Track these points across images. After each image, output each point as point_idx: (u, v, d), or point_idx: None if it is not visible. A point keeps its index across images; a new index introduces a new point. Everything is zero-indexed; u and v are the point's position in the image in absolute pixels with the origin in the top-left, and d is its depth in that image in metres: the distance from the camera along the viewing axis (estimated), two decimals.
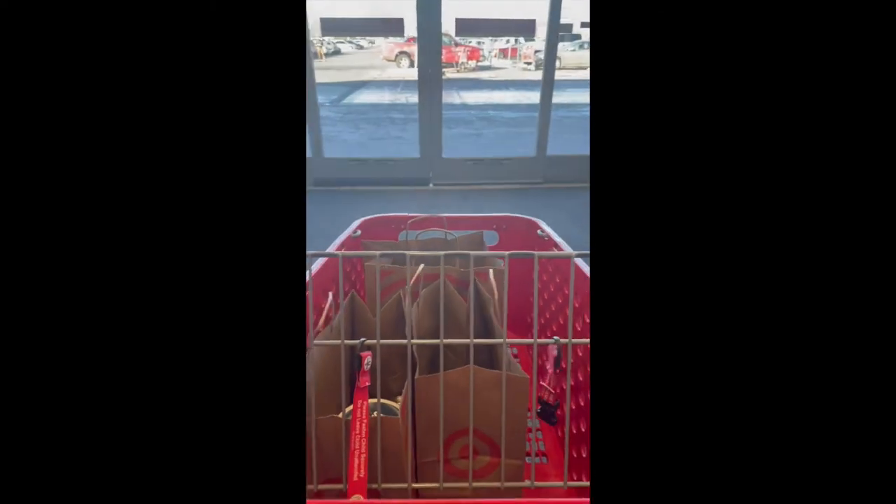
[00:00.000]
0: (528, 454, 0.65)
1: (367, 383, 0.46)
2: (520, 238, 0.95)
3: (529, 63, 12.16)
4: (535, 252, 0.44)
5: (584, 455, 0.61)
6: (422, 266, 0.63)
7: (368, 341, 0.46)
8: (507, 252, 0.44)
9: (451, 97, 7.25)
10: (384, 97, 6.52)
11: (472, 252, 0.44)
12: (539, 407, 0.49)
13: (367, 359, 0.46)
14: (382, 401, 0.60)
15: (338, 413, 0.48)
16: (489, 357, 0.69)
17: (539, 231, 0.88)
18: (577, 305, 0.65)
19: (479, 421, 0.52)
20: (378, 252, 0.45)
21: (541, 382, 0.47)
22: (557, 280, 0.77)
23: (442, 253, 0.45)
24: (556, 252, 0.44)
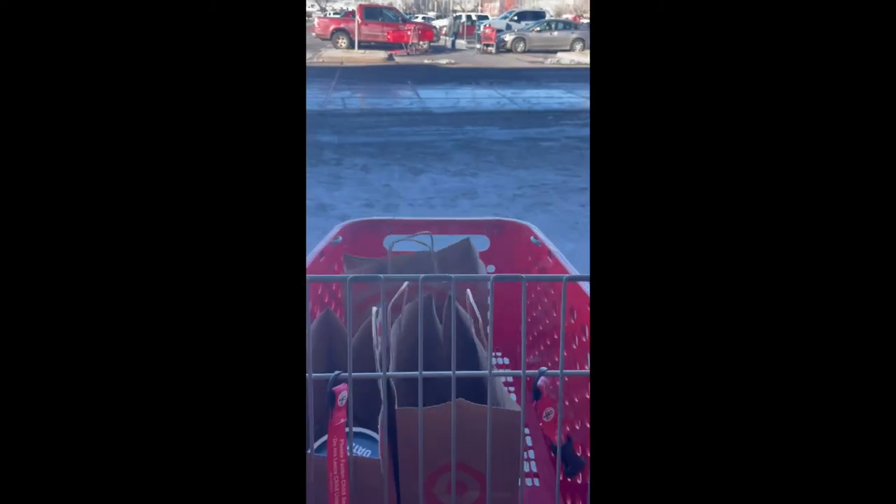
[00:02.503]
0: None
1: (343, 420, 0.42)
2: (511, 244, 0.90)
3: (490, 45, 10.47)
4: (524, 275, 0.39)
5: (578, 480, 0.57)
6: (406, 283, 0.58)
7: (342, 375, 0.42)
8: (493, 276, 0.40)
9: (404, 94, 4.93)
10: (312, 98, 4.27)
11: (453, 276, 0.40)
12: (554, 454, 0.44)
13: (343, 394, 0.42)
14: (364, 430, 0.56)
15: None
16: (476, 383, 0.65)
17: (532, 238, 0.83)
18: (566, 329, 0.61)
19: (468, 455, 0.48)
20: (349, 276, 0.40)
21: (544, 421, 0.43)
22: (546, 300, 0.72)
23: (420, 276, 0.40)
24: (546, 276, 0.39)
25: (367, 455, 0.55)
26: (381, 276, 0.40)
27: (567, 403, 0.58)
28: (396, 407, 0.46)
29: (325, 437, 0.45)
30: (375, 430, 0.58)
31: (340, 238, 0.85)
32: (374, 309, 0.45)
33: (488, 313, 0.48)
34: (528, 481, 0.67)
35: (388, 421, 0.44)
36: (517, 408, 0.48)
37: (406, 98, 4.76)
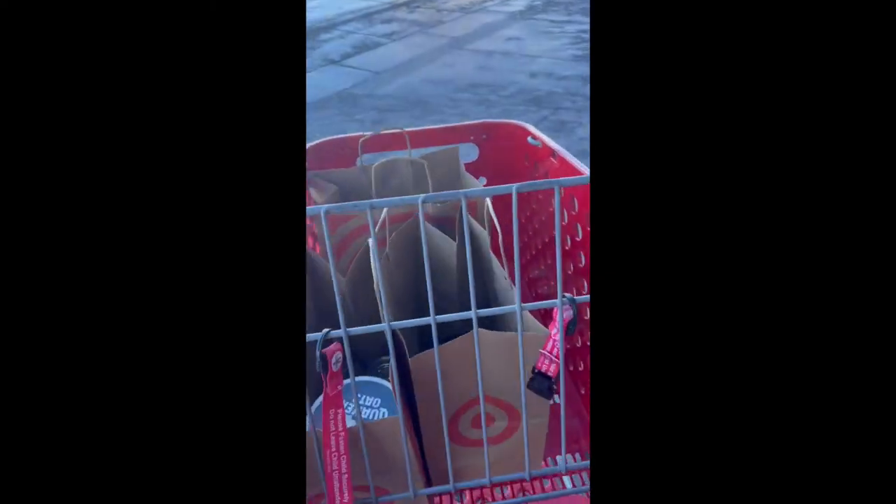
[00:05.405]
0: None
1: (340, 387, 0.34)
2: (504, 149, 0.79)
3: None
4: (555, 180, 0.30)
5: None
6: (385, 211, 0.48)
7: (333, 333, 0.33)
8: (515, 185, 0.30)
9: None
10: None
11: (461, 192, 0.30)
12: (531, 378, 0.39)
13: (336, 355, 0.34)
14: (374, 379, 0.50)
15: None
16: (487, 302, 0.58)
17: (530, 138, 0.72)
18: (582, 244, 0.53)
19: (492, 387, 0.42)
20: (324, 206, 0.30)
21: (541, 350, 0.37)
22: (550, 209, 0.63)
23: (419, 197, 0.30)
24: (579, 178, 0.30)
25: (378, 404, 0.50)
26: (368, 202, 0.30)
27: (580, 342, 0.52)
28: (409, 357, 0.39)
29: (318, 400, 0.39)
30: (374, 374, 0.52)
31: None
32: (371, 241, 0.36)
33: (502, 228, 0.39)
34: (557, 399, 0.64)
35: (400, 373, 0.37)
36: (542, 329, 0.42)
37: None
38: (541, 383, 0.36)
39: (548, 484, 0.55)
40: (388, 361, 0.57)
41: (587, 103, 2.14)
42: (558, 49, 2.86)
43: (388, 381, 0.50)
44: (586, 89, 2.31)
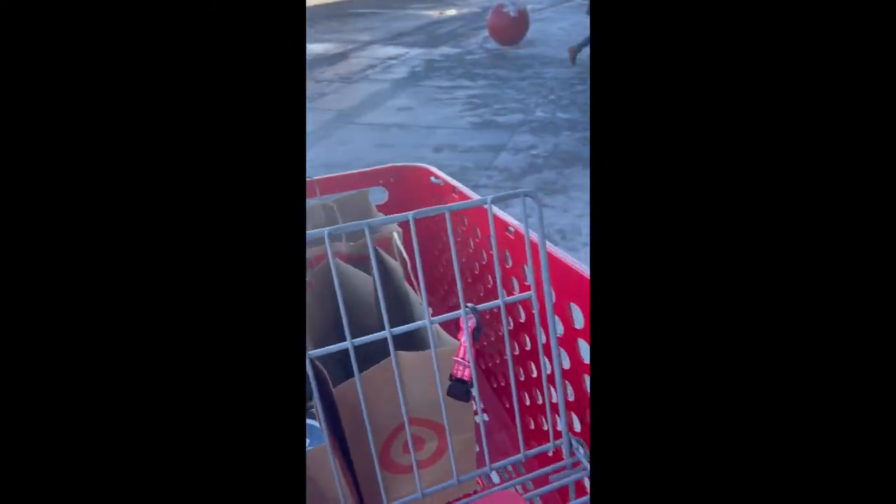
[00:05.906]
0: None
1: None
2: (413, 190, 0.85)
3: None
4: (445, 206, 0.35)
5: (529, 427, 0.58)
6: (311, 253, 0.50)
7: None
8: (411, 213, 0.34)
9: None
10: None
11: (365, 222, 0.34)
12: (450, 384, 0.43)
13: None
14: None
15: None
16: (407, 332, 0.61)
17: (433, 178, 0.79)
18: (490, 262, 0.59)
19: (417, 408, 0.45)
20: None
21: (454, 358, 0.41)
22: (460, 232, 0.70)
23: (325, 230, 0.34)
24: (469, 202, 0.35)
25: (308, 445, 0.49)
26: None
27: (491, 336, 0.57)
28: (332, 388, 0.41)
29: None
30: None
31: None
32: None
33: (412, 252, 0.43)
34: (477, 418, 0.67)
35: (324, 404, 0.38)
36: (456, 343, 0.46)
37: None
38: (458, 388, 0.40)
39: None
40: (313, 406, 0.57)
41: (503, 177, 1.99)
42: (454, 117, 2.71)
43: (314, 420, 0.50)
44: (497, 161, 2.14)
